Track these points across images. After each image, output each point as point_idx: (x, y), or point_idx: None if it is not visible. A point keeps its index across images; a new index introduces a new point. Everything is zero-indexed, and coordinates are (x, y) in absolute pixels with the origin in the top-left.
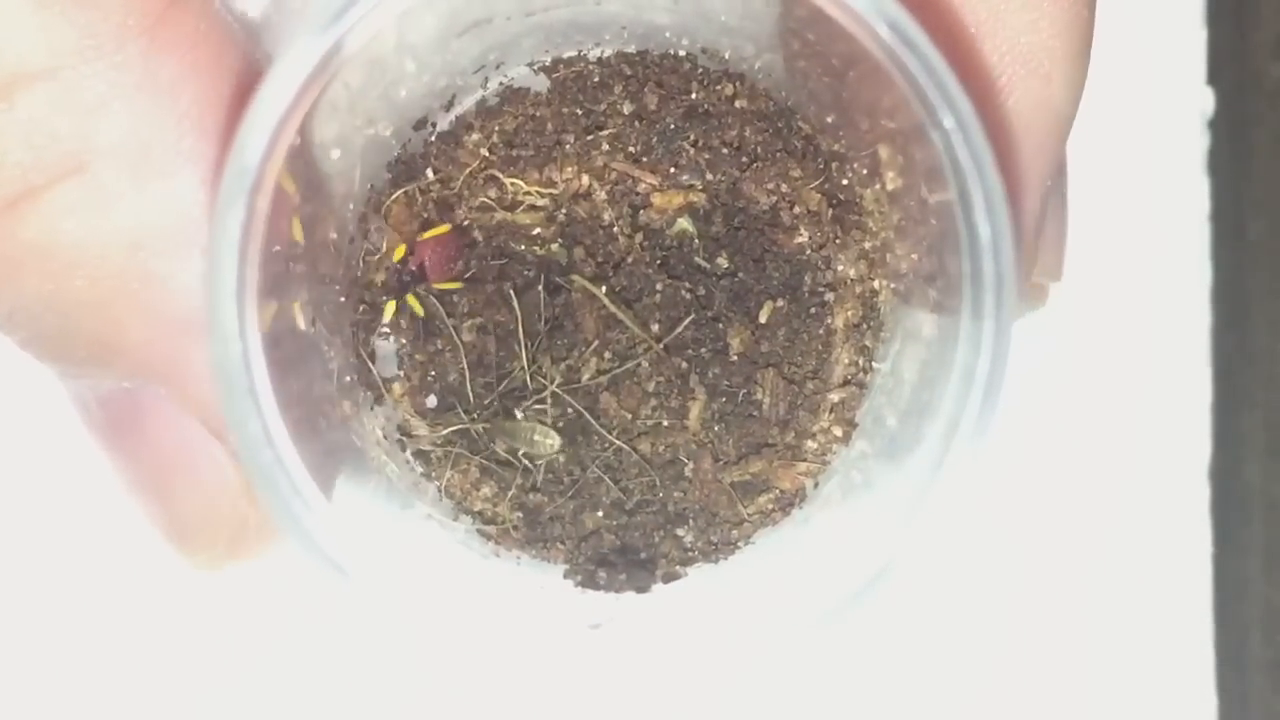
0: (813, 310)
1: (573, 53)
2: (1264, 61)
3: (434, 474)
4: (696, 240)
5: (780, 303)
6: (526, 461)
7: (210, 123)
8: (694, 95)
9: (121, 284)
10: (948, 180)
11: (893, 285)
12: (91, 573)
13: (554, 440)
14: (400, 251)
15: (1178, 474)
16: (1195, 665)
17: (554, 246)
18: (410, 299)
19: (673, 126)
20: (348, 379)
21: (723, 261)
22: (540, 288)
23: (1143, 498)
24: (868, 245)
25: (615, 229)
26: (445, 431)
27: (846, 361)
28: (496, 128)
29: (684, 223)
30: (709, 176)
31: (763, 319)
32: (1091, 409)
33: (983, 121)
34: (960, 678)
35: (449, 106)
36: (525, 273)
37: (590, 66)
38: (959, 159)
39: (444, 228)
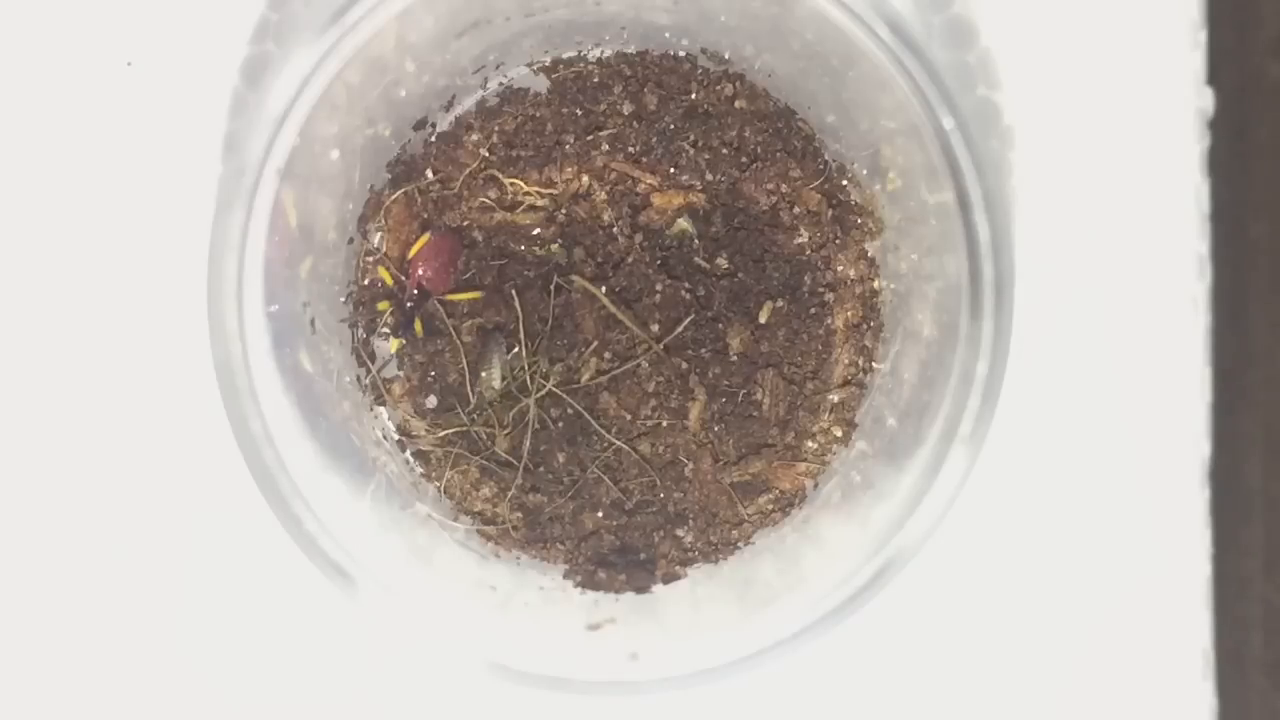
0: (813, 310)
1: (573, 53)
2: (1264, 61)
3: (434, 474)
4: (696, 240)
5: (780, 303)
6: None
7: None
8: (694, 95)
9: None
10: (948, 180)
11: (893, 285)
12: (91, 575)
13: (495, 385)
14: (389, 278)
15: (1178, 474)
16: (1195, 665)
17: (554, 247)
18: (417, 324)
19: (673, 126)
20: (348, 379)
21: (722, 262)
22: (540, 288)
23: (1143, 498)
24: (868, 245)
25: (615, 229)
26: (445, 432)
27: (846, 361)
28: (496, 128)
29: (684, 223)
30: (709, 176)
31: (763, 319)
32: (1091, 409)
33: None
34: (960, 678)
35: (449, 106)
36: (525, 273)
37: (590, 66)
38: (959, 159)
39: (425, 238)
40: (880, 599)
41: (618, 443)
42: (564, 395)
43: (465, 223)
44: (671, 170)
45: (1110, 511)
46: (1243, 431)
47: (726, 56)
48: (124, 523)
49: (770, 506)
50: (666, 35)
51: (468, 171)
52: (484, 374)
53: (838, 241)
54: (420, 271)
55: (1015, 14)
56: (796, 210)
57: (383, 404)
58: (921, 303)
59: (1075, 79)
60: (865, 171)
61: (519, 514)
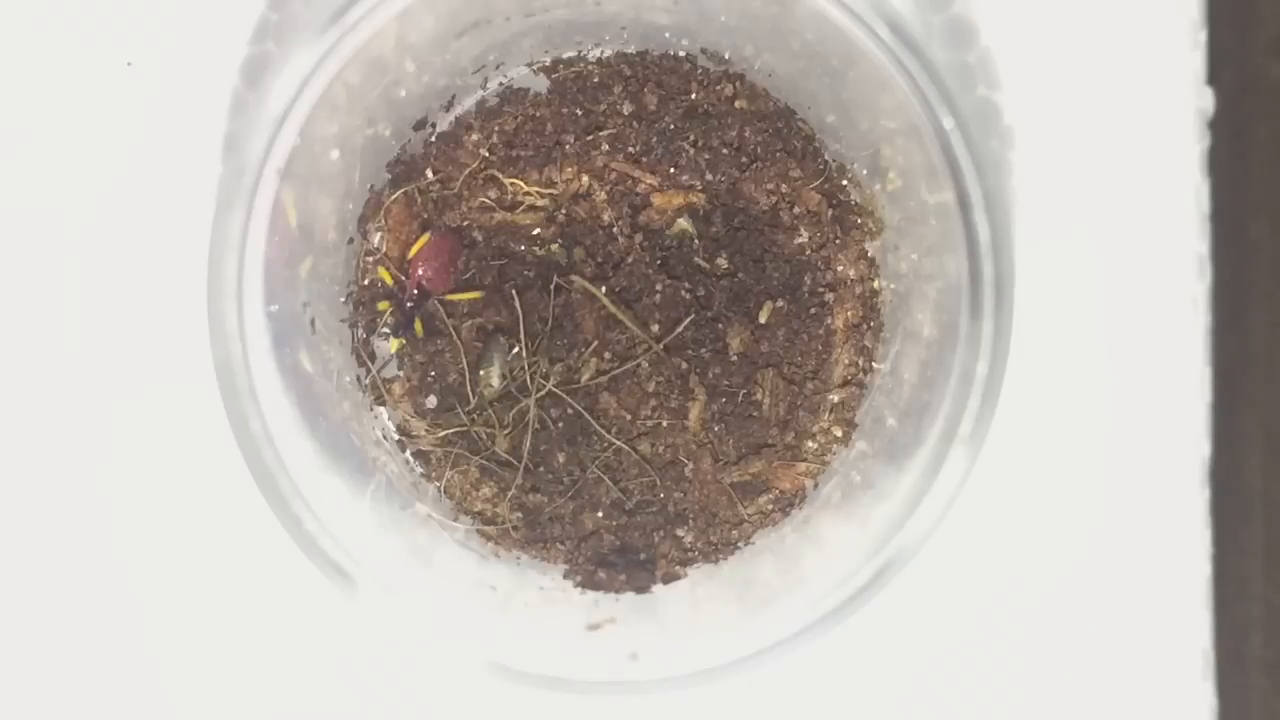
0: (813, 310)
1: (573, 53)
2: (1264, 61)
3: (434, 474)
4: (696, 240)
5: (780, 303)
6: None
7: None
8: (694, 95)
9: None
10: (948, 180)
11: (893, 285)
12: (91, 575)
13: (494, 384)
14: (389, 278)
15: (1178, 474)
16: (1195, 665)
17: (554, 247)
18: (417, 324)
19: (673, 126)
20: (348, 379)
21: (722, 262)
22: (540, 288)
23: (1143, 498)
24: (868, 245)
25: (615, 229)
26: (445, 432)
27: (846, 361)
28: (496, 128)
29: (684, 223)
30: (709, 176)
31: (763, 319)
32: (1091, 409)
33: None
34: (960, 678)
35: (449, 106)
36: (525, 273)
37: (590, 66)
38: (959, 159)
39: (425, 238)
40: (880, 599)
41: (618, 443)
42: (564, 395)
43: (465, 223)
44: (671, 170)
45: (1110, 511)
46: (1243, 431)
47: (726, 56)
48: (124, 523)
49: (770, 506)
50: (666, 35)
51: (468, 171)
52: (483, 372)
53: (838, 241)
54: (420, 271)
55: (1015, 14)
56: (796, 210)
57: (383, 404)
58: (921, 303)
59: (1075, 79)
60: (865, 171)
61: (519, 514)
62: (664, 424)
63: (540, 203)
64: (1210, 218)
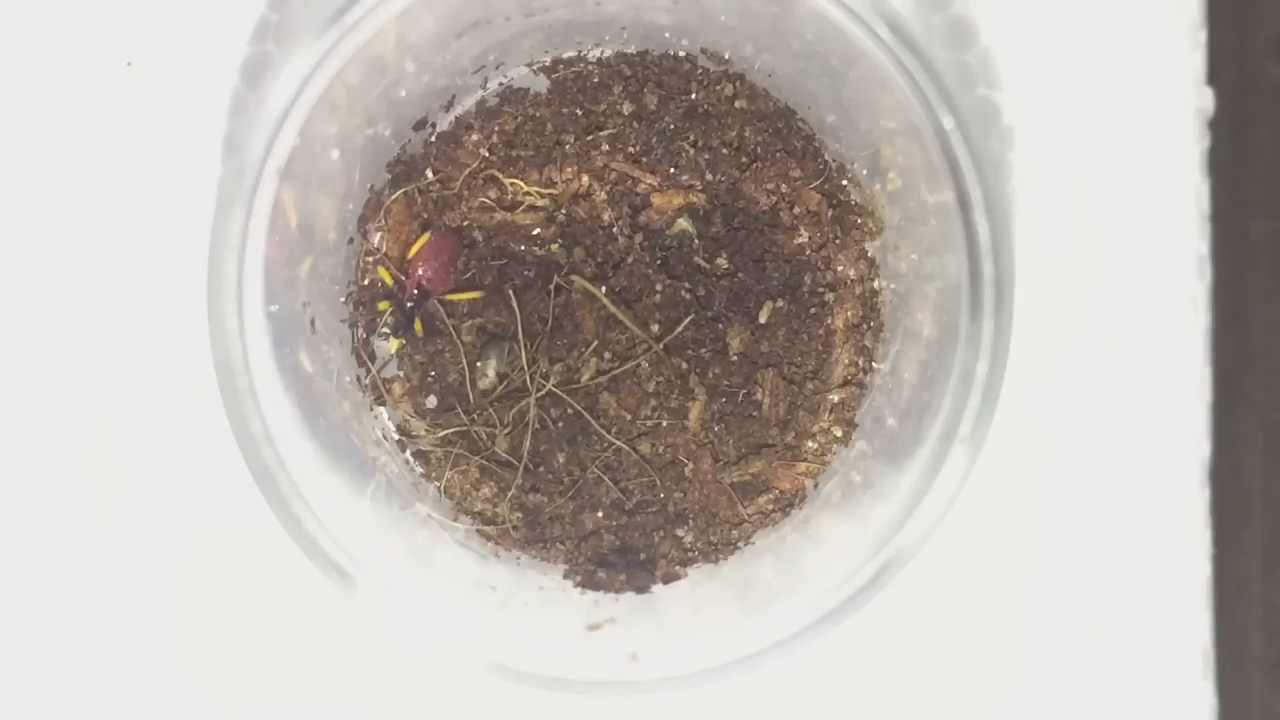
0: (813, 310)
1: (573, 53)
2: (1264, 61)
3: (434, 474)
4: (696, 240)
5: (780, 303)
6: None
7: None
8: (694, 95)
9: None
10: (948, 180)
11: (893, 285)
12: (91, 575)
13: (490, 375)
14: (389, 278)
15: (1178, 474)
16: (1195, 665)
17: (554, 247)
18: (417, 324)
19: (673, 126)
20: (348, 379)
21: (722, 262)
22: (540, 288)
23: (1143, 498)
24: (868, 245)
25: (615, 229)
26: (445, 432)
27: (846, 361)
28: (496, 128)
29: (684, 223)
30: (709, 176)
31: (763, 319)
32: (1091, 409)
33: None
34: (960, 678)
35: (449, 106)
36: (525, 273)
37: (590, 66)
38: (959, 159)
39: (425, 238)
40: (880, 599)
41: (618, 443)
42: (564, 395)
43: (465, 223)
44: (671, 170)
45: (1110, 511)
46: (1243, 431)
47: (726, 56)
48: (124, 523)
49: (770, 506)
50: (666, 35)
51: (468, 171)
52: (479, 364)
53: (838, 241)
54: (420, 271)
55: (1015, 14)
56: (796, 210)
57: (383, 404)
58: (921, 303)
59: (1075, 79)
60: (865, 171)
61: (519, 514)
62: (664, 424)
63: (540, 203)
64: (1210, 218)
